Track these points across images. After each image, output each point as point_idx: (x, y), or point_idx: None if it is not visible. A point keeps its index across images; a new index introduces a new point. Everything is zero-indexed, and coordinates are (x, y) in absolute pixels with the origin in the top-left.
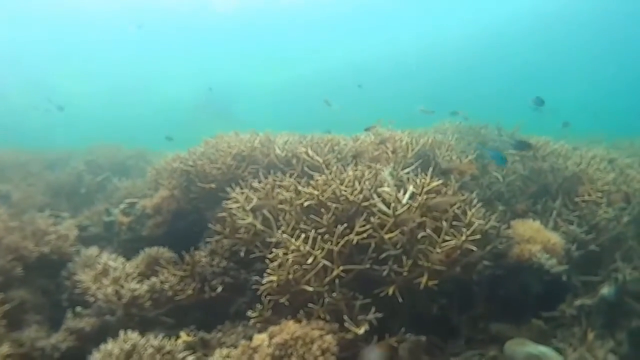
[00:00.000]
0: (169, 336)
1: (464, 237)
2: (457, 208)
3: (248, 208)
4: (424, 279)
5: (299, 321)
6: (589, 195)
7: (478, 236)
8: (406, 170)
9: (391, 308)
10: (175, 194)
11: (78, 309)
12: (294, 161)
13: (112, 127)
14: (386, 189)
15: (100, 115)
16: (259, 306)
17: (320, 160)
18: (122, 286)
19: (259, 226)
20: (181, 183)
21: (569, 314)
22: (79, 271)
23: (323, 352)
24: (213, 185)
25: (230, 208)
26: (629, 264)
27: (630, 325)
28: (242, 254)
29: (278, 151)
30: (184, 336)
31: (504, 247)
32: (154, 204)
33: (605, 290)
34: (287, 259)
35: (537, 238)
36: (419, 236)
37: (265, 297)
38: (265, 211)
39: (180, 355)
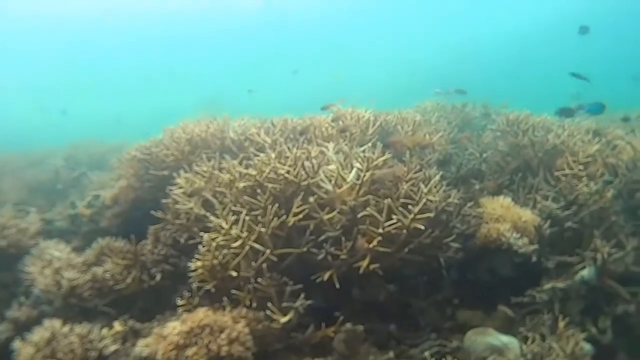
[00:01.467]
0: (109, 326)
1: (411, 216)
2: (412, 185)
3: (187, 193)
4: (364, 263)
5: (219, 309)
6: (570, 168)
7: (429, 214)
8: (362, 148)
9: (341, 294)
10: (133, 183)
11: (22, 299)
12: (247, 144)
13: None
14: (330, 167)
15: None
16: (186, 293)
17: (269, 141)
18: (62, 276)
19: (197, 211)
20: (138, 172)
21: (541, 299)
22: (29, 263)
23: (230, 342)
24: (166, 173)
25: (174, 194)
26: (610, 242)
27: (615, 311)
28: (182, 240)
29: (232, 135)
30: (117, 326)
31: (472, 227)
32: (112, 195)
33: (585, 272)
34: (214, 244)
35: (506, 216)
36: (359, 215)
37: (194, 283)
38: (208, 195)
39: (101, 344)
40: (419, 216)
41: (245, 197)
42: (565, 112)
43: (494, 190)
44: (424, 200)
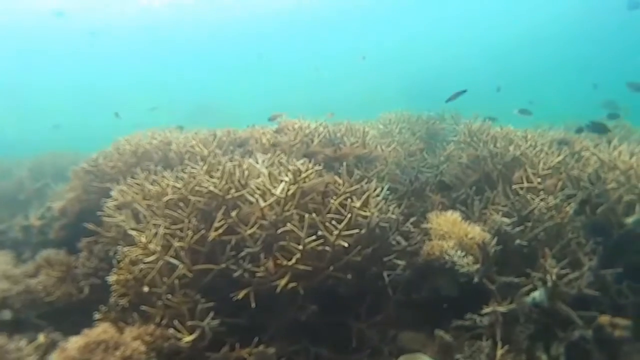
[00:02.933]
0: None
1: (336, 232)
2: (345, 199)
3: (118, 205)
4: (283, 281)
5: (128, 325)
6: (529, 181)
7: (355, 231)
8: (301, 161)
9: (269, 313)
10: (80, 195)
11: None
12: (187, 156)
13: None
14: (259, 180)
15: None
16: (103, 307)
17: (205, 153)
18: None
19: (126, 224)
20: (85, 184)
21: (482, 324)
22: None
23: (123, 359)
24: (108, 185)
25: (106, 206)
26: (566, 261)
27: (570, 336)
28: (111, 253)
29: (174, 147)
30: (41, 338)
31: (415, 244)
32: (60, 207)
33: (537, 293)
34: (129, 258)
35: (453, 232)
36: (279, 231)
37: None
38: (140, 208)
39: (16, 355)
40: (344, 232)
41: (167, 211)
42: (598, 128)
43: (448, 204)
44: (349, 215)
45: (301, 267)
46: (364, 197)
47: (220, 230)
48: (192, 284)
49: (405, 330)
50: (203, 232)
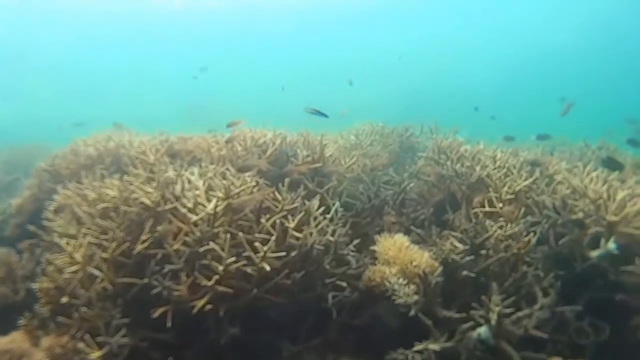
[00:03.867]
0: None
1: (261, 254)
2: (282, 218)
3: (56, 208)
4: (201, 302)
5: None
6: (490, 205)
7: (283, 254)
8: (248, 173)
9: (196, 332)
10: (36, 193)
11: None
12: (137, 162)
13: None
14: (194, 193)
15: None
16: (27, 314)
17: (151, 160)
18: None
19: (62, 229)
20: (41, 183)
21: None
22: None
23: None
24: (60, 187)
25: (48, 209)
26: (515, 297)
27: None
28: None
29: (123, 151)
30: None
31: (358, 268)
32: (17, 204)
33: (483, 329)
34: (51, 266)
35: (397, 258)
36: (202, 249)
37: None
38: (80, 214)
39: None
40: (270, 255)
41: (98, 220)
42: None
43: (407, 224)
44: (274, 236)
45: (221, 288)
46: (298, 217)
47: (146, 244)
48: (116, 296)
49: (344, 356)
50: (128, 244)
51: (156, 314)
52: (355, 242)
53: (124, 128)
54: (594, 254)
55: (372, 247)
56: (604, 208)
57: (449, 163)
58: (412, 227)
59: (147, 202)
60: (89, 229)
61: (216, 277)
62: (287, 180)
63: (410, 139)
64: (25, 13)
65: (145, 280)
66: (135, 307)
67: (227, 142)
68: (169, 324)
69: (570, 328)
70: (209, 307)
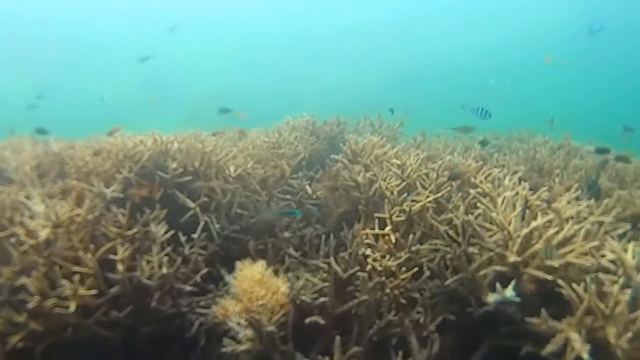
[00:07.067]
0: None
1: (69, 292)
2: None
3: None
4: (14, 338)
5: None
6: (382, 227)
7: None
8: (112, 189)
9: None
10: None
11: None
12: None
13: None
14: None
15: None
16: None
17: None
18: None
19: None
20: None
21: None
22: None
23: None
24: None
25: None
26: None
27: None
28: None
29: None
30: None
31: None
32: None
33: None
34: None
35: (248, 293)
36: (17, 282)
37: None
38: None
39: None
40: (82, 292)
41: None
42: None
43: (296, 243)
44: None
45: (33, 326)
46: (131, 246)
47: None
48: None
49: None
50: None
51: None
52: (203, 271)
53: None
54: (490, 299)
55: (228, 277)
56: (512, 242)
57: (346, 172)
58: (289, 250)
59: None
60: None
61: (25, 314)
62: (128, 203)
63: (344, 135)
64: None
65: None
66: None
67: (94, 154)
68: None
69: None
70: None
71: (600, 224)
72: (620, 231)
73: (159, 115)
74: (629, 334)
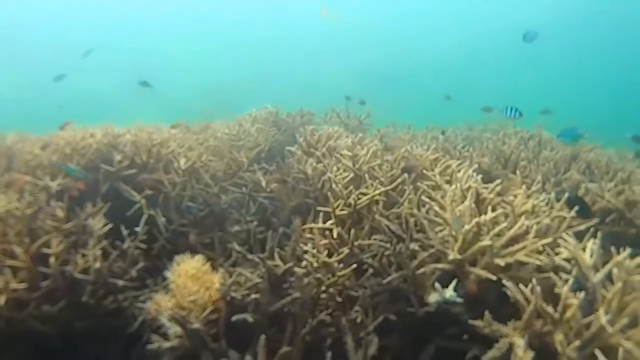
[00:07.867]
0: None
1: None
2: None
3: None
4: None
5: None
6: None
7: (23, 285)
8: (57, 182)
9: None
10: None
11: None
12: None
13: None
14: None
15: None
16: None
17: None
18: None
19: None
20: None
21: None
22: None
23: None
24: None
25: None
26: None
27: None
28: None
29: None
30: None
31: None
32: None
33: None
34: None
35: (181, 288)
36: None
37: None
38: None
39: None
40: (14, 286)
41: None
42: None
43: (244, 238)
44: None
45: None
46: (56, 245)
47: None
48: None
49: None
50: None
51: None
52: (139, 266)
53: None
54: (431, 300)
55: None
56: (453, 240)
57: (304, 162)
58: (234, 245)
59: None
60: None
61: None
62: (65, 197)
63: (304, 127)
64: None
65: None
66: None
67: (43, 147)
68: None
69: None
70: None
71: (562, 219)
72: (583, 227)
73: (147, 110)
74: (577, 342)
